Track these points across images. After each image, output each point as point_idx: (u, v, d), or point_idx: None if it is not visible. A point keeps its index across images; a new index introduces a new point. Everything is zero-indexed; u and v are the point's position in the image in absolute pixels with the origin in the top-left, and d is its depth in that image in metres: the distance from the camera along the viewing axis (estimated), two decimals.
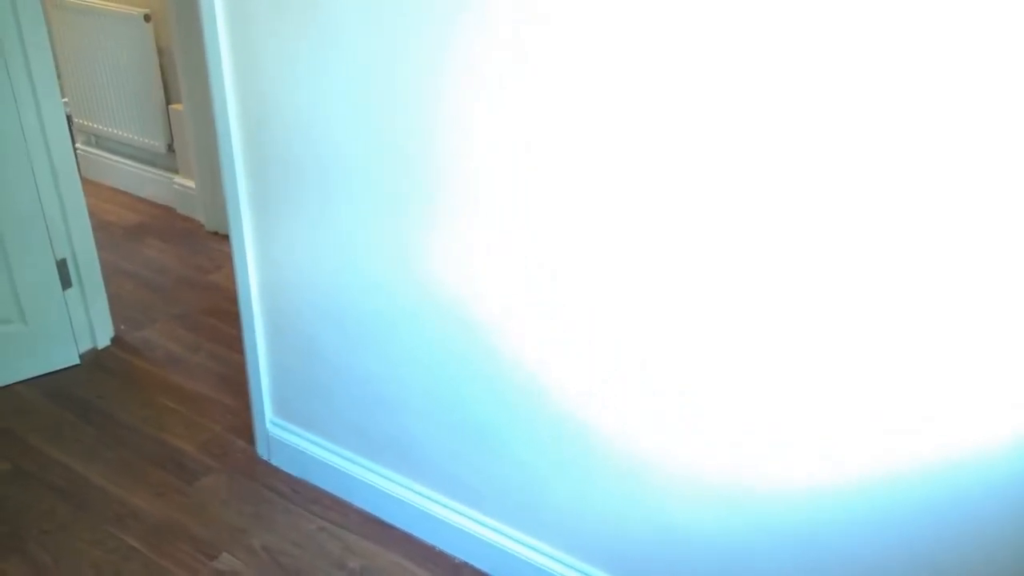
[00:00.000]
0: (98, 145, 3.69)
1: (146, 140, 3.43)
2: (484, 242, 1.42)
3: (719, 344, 1.26)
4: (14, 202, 2.17)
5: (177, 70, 3.14)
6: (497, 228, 1.39)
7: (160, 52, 3.23)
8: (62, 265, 2.35)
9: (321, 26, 1.41)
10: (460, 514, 1.78)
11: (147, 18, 3.19)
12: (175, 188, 3.46)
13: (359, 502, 1.95)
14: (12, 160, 2.13)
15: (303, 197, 1.65)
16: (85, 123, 3.61)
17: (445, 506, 1.80)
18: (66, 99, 3.50)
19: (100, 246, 2.55)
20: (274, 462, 2.07)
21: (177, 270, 3.02)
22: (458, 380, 1.61)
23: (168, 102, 3.31)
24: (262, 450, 2.09)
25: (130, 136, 3.49)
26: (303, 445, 1.98)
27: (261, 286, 1.86)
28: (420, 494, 1.83)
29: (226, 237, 3.28)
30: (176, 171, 3.45)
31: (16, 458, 2.06)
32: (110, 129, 3.55)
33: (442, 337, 1.58)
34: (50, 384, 2.34)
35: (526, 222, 1.36)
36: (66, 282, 2.37)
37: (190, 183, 3.38)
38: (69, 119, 2.29)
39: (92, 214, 2.47)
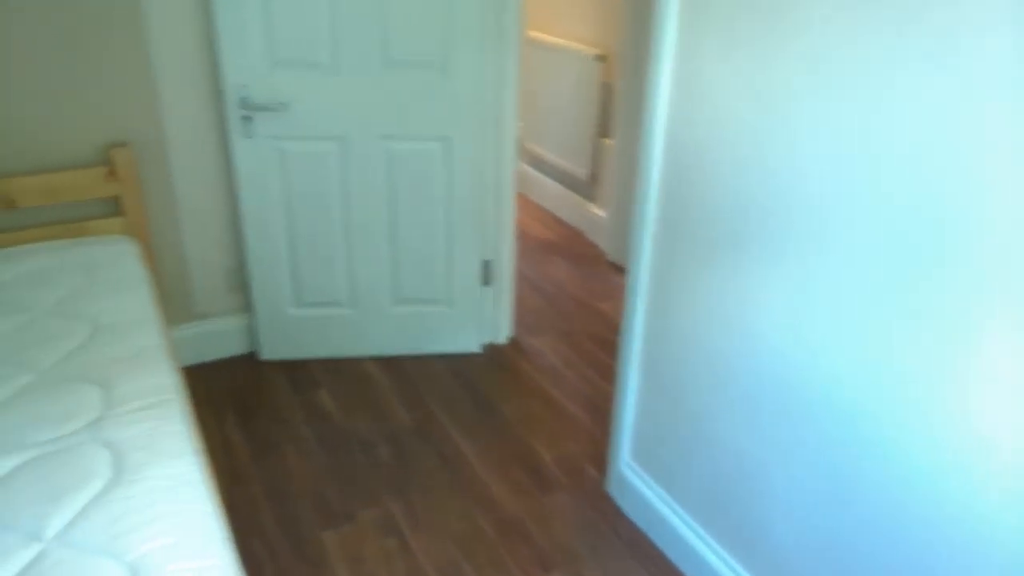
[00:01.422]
0: (532, 164, 4.18)
1: (573, 167, 3.78)
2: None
3: None
4: (466, 205, 2.54)
5: (615, 107, 3.40)
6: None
7: (603, 89, 3.52)
8: (486, 265, 2.69)
9: (799, 58, 1.38)
10: None
11: (599, 58, 3.50)
12: (588, 215, 3.75)
13: None
14: (474, 170, 2.50)
15: (708, 248, 1.64)
16: (526, 144, 4.11)
17: None
18: (520, 123, 4.02)
19: (516, 254, 2.87)
20: (619, 503, 2.11)
21: (573, 290, 3.27)
22: (848, 491, 1.44)
23: (600, 136, 3.60)
24: (611, 486, 2.15)
25: (560, 161, 3.88)
26: (651, 497, 1.99)
27: (646, 327, 1.91)
28: None
29: (623, 270, 3.48)
30: (592, 200, 3.74)
31: (419, 417, 2.43)
32: (545, 152, 3.99)
33: (841, 435, 1.43)
34: (454, 363, 2.70)
35: None
36: (486, 280, 2.71)
37: (602, 213, 3.63)
38: (518, 140, 2.64)
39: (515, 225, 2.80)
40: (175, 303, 2.48)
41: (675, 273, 1.78)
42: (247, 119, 2.31)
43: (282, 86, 2.29)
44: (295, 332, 2.63)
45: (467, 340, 2.75)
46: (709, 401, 1.74)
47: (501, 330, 2.83)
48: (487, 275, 2.71)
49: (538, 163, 4.14)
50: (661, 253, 1.81)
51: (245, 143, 2.34)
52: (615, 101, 3.41)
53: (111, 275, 1.96)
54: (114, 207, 2.29)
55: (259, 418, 2.38)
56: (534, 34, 3.88)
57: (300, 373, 2.61)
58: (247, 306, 2.63)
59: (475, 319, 2.72)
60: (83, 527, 1.21)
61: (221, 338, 2.63)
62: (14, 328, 1.73)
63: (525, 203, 4.16)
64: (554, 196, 4.04)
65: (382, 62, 2.31)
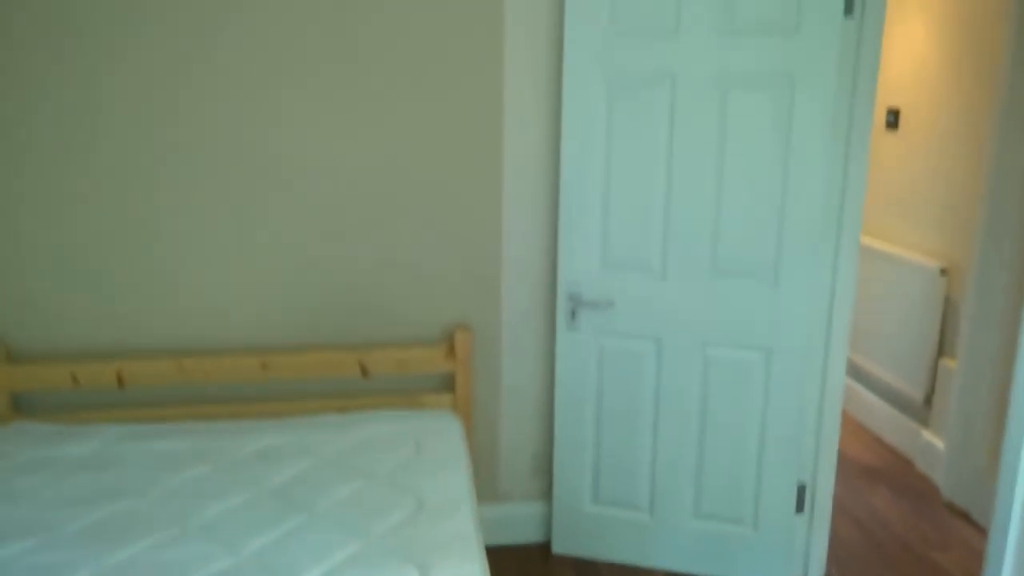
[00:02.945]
0: (854, 376, 3.82)
1: (903, 386, 3.37)
2: None
3: None
4: (784, 422, 2.34)
5: (959, 326, 3.01)
6: None
7: (946, 303, 3.16)
8: (801, 490, 2.42)
9: None
10: None
11: (943, 272, 3.17)
12: (920, 443, 3.28)
13: None
14: (796, 385, 2.32)
15: None
16: (851, 355, 3.79)
17: None
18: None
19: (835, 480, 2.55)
20: None
21: (900, 531, 2.80)
22: None
23: (939, 355, 3.19)
24: None
25: (888, 377, 3.49)
26: None
27: None
28: None
29: (963, 515, 2.92)
30: (926, 426, 3.27)
31: None
32: (871, 365, 3.63)
33: None
34: None
35: None
36: (799, 506, 2.43)
37: (938, 443, 3.15)
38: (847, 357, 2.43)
39: None
40: (481, 480, 2.57)
41: None
42: (574, 313, 2.42)
43: (610, 285, 2.39)
44: (589, 529, 2.55)
45: (773, 572, 2.44)
46: None
47: (813, 566, 2.48)
48: (801, 501, 2.43)
49: (863, 377, 3.77)
50: None
51: (569, 335, 2.44)
52: (959, 319, 3.03)
53: (438, 451, 2.09)
54: (447, 383, 2.50)
55: None
56: (867, 240, 3.67)
57: (588, 574, 2.50)
58: (546, 494, 2.64)
59: (784, 550, 2.42)
60: None
61: (516, 523, 2.65)
62: (352, 493, 1.89)
63: (844, 419, 3.75)
64: (879, 416, 3.61)
65: (710, 270, 2.32)
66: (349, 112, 2.30)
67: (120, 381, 2.28)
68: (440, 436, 2.19)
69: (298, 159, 2.31)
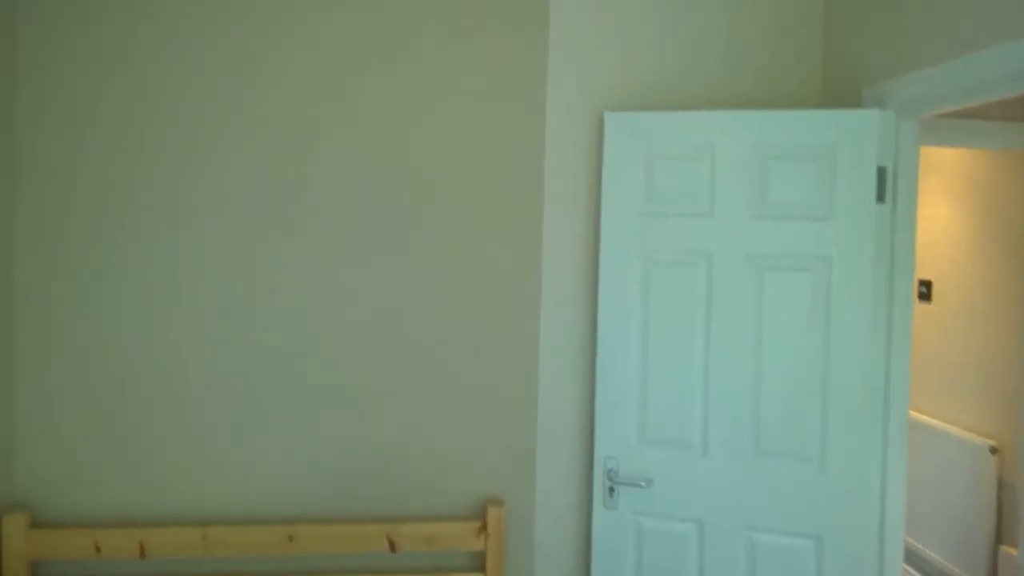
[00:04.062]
0: (905, 559, 3.59)
1: (961, 574, 3.15)
2: None
3: None
4: None
5: (1017, 508, 2.85)
6: None
7: (1000, 486, 3.01)
8: None
9: None
10: None
11: (993, 450, 3.05)
12: None
13: None
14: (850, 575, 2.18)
15: None
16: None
17: None
18: None
19: None
20: None
21: None
22: None
23: (998, 541, 3.00)
24: None
25: (945, 564, 3.27)
26: None
27: None
28: None
29: None
30: None
31: None
32: (924, 548, 3.42)
33: None
34: None
35: None
36: None
37: None
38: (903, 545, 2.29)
39: None
40: None
41: None
42: (611, 491, 2.34)
43: (648, 462, 2.31)
44: None
45: None
46: None
47: None
48: None
49: (911, 557, 3.54)
50: None
51: (606, 513, 2.34)
52: (1016, 502, 2.88)
53: None
54: (477, 561, 2.38)
55: None
56: (914, 415, 3.57)
57: None
58: None
59: None
60: None
61: None
62: None
63: None
64: None
65: (752, 450, 2.25)
66: (386, 285, 2.36)
67: (142, 551, 2.20)
68: None
69: (326, 325, 2.34)
